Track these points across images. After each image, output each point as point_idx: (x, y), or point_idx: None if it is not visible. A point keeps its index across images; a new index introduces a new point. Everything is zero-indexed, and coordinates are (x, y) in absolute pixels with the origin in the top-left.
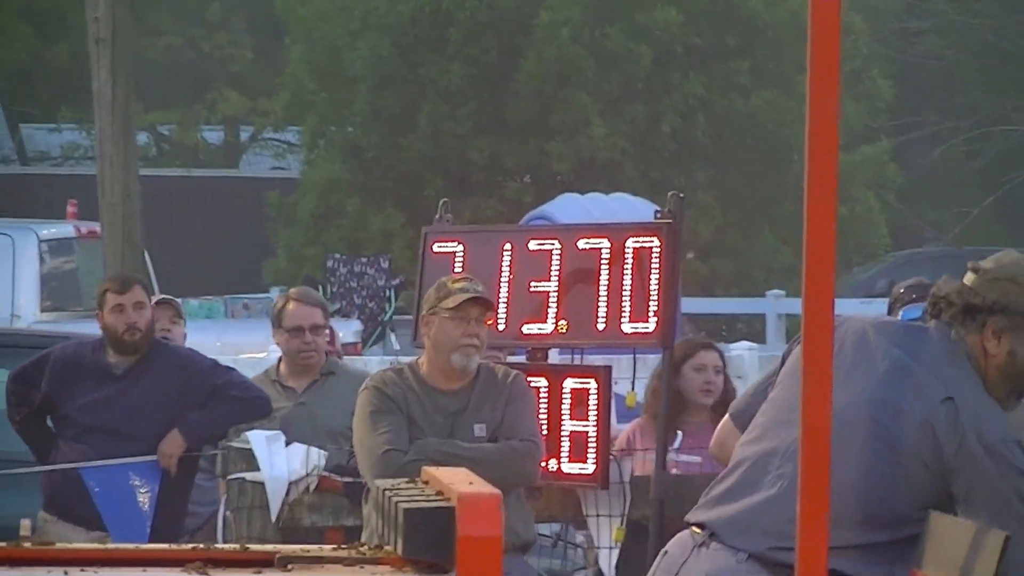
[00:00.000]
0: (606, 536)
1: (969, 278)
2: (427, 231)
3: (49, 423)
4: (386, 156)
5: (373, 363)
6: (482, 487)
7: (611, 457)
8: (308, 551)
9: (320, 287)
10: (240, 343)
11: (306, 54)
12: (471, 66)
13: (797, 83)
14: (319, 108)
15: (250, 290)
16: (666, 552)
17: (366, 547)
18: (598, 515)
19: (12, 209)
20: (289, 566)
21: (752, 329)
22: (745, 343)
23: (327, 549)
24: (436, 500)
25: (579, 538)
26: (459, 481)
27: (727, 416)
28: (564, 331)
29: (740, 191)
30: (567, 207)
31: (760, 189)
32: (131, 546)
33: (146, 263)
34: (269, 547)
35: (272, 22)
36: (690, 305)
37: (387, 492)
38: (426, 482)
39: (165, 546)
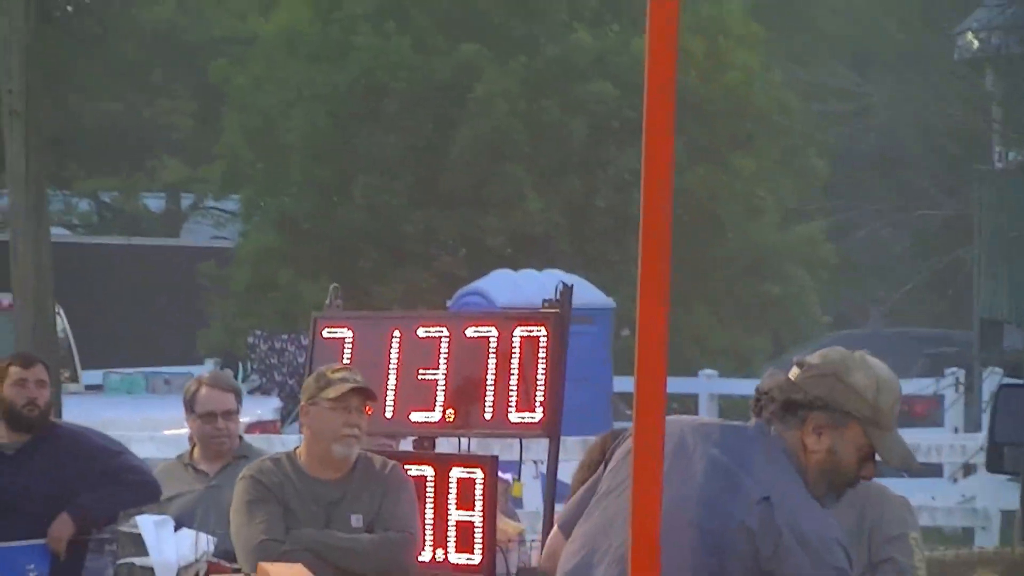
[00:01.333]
0: None
1: (793, 373)
2: (316, 316)
3: None
4: (320, 227)
5: (291, 441)
6: None
7: (498, 548)
8: None
9: (240, 363)
10: (161, 419)
11: (242, 123)
12: (406, 137)
13: (731, 159)
14: (255, 178)
15: (184, 361)
16: None
17: None
18: None
19: None
20: None
21: (686, 409)
22: None
23: None
24: None
25: None
26: None
27: (555, 527)
28: (451, 420)
29: (674, 267)
30: (500, 283)
31: (694, 265)
32: None
33: (66, 336)
34: None
35: (215, 88)
36: (623, 384)
37: None
38: None
39: None
